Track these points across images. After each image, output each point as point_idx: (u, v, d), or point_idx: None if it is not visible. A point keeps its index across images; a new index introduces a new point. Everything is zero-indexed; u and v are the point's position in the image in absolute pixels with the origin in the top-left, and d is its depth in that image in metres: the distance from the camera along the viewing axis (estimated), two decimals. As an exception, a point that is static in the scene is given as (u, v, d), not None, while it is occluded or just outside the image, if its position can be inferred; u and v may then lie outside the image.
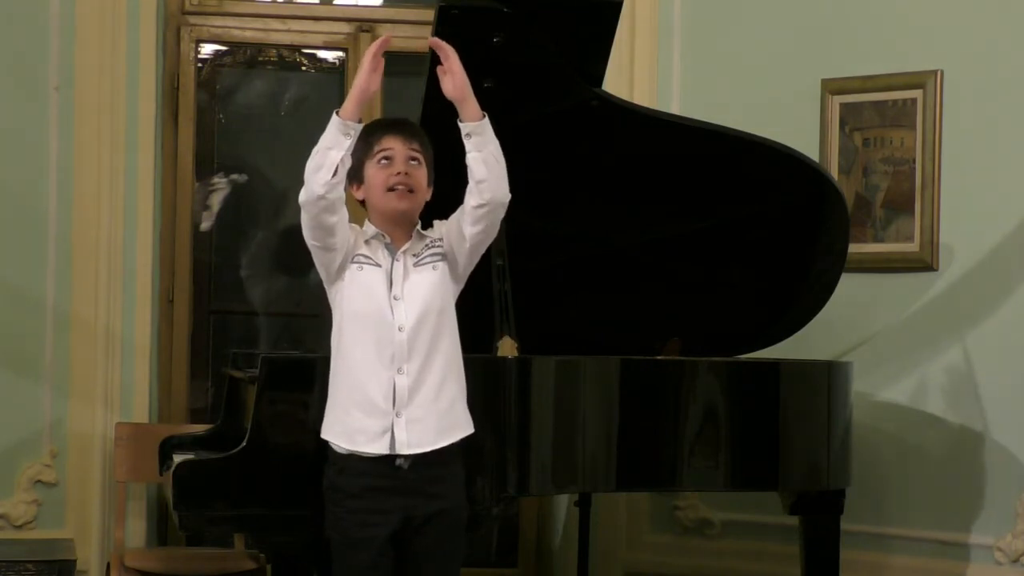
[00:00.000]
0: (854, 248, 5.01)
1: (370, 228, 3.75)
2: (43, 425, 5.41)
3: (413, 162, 3.70)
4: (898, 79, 5.35)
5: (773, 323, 4.94)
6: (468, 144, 3.64)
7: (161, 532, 5.62)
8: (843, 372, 4.60)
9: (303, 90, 6.16)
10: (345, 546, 3.65)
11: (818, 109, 5.50)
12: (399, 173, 3.68)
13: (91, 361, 5.43)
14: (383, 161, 3.70)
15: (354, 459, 3.65)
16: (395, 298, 3.66)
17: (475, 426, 3.75)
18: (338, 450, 3.67)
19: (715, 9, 5.74)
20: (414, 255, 3.72)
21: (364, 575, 3.63)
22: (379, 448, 3.63)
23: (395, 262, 3.70)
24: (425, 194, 3.75)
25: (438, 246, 3.74)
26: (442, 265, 3.73)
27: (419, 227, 3.76)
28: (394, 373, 3.63)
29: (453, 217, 3.74)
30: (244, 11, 5.88)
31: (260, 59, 6.06)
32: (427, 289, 3.69)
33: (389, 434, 3.62)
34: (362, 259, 3.70)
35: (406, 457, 3.63)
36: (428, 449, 3.64)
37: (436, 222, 3.81)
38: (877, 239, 5.40)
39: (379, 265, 3.69)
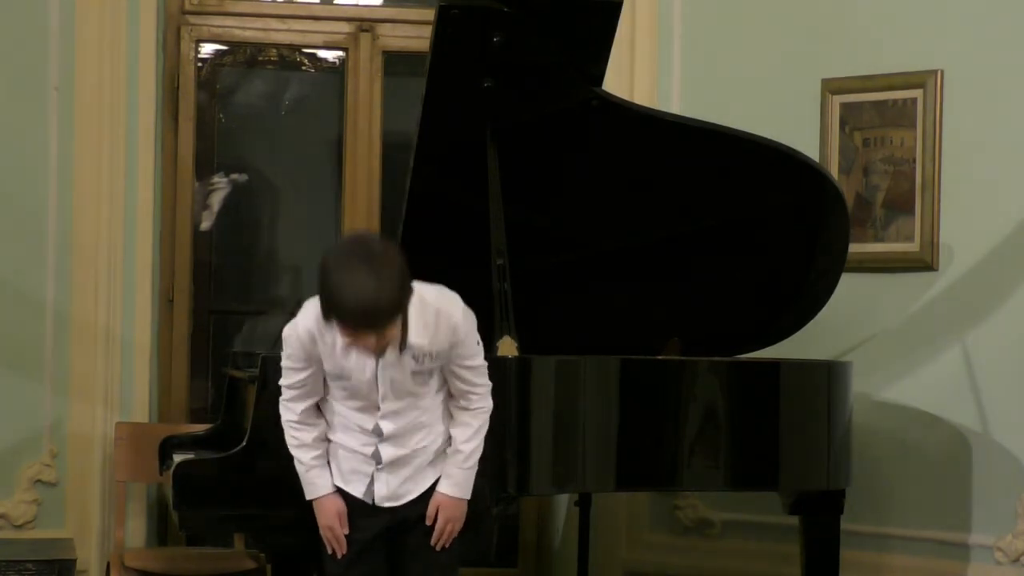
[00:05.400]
0: (854, 248, 5.00)
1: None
2: (43, 425, 5.41)
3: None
4: (898, 79, 5.34)
5: (773, 323, 4.94)
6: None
7: (161, 532, 5.62)
8: (843, 372, 4.59)
9: (303, 90, 6.16)
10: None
11: (818, 109, 5.50)
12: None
13: (91, 361, 5.42)
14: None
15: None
16: (382, 399, 3.58)
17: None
18: None
19: (715, 9, 5.73)
20: (412, 358, 3.56)
21: (355, 570, 3.63)
22: (358, 492, 3.63)
23: (380, 361, 3.55)
24: (398, 332, 3.49)
25: (435, 361, 3.59)
26: (437, 374, 3.63)
27: (406, 333, 3.54)
28: (376, 440, 3.61)
29: (445, 355, 3.60)
30: (244, 11, 5.87)
31: (260, 59, 6.05)
32: (416, 389, 3.61)
33: (369, 480, 3.62)
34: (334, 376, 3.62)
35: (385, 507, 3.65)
36: (404, 502, 3.65)
37: (426, 336, 3.55)
38: (877, 239, 5.40)
39: (350, 378, 3.59)
